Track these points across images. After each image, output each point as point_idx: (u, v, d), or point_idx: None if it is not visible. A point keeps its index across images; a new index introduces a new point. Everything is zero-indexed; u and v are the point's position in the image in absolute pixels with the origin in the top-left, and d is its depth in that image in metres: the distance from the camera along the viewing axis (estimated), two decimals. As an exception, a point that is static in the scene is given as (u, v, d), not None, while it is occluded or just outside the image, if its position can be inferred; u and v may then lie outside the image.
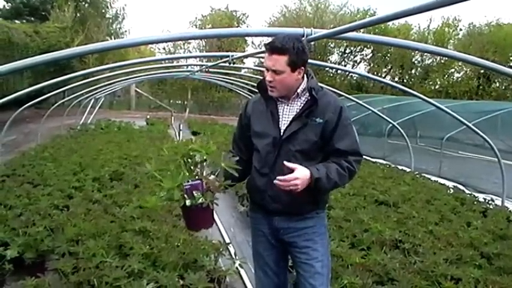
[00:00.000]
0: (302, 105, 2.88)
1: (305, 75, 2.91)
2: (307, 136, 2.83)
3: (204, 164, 2.70)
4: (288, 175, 2.67)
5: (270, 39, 2.83)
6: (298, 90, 2.88)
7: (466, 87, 39.07)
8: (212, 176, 2.78)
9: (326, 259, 2.99)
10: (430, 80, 41.99)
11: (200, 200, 2.58)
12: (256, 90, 3.09)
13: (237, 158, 2.86)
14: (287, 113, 2.91)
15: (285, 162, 2.72)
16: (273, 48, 2.73)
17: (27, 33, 24.39)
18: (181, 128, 20.00)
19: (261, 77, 3.01)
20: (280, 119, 2.91)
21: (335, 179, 2.78)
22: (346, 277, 4.23)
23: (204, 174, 2.72)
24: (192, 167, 2.68)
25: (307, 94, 2.86)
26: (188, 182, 2.62)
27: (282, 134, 2.87)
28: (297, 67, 2.77)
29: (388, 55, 41.61)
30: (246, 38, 39.70)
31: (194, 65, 16.11)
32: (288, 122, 2.87)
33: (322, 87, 2.95)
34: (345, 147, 2.84)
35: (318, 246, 2.95)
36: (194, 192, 2.58)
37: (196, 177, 2.67)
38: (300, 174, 2.67)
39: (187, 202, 2.58)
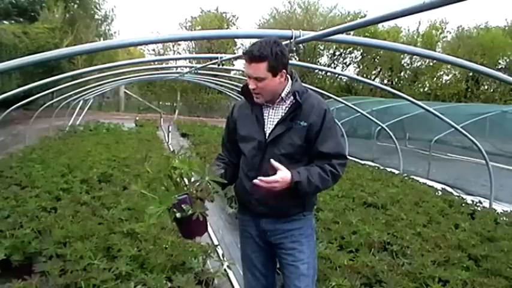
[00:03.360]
0: (287, 108, 2.87)
1: (290, 77, 2.91)
2: (291, 140, 2.83)
3: (189, 178, 2.67)
4: (268, 178, 2.69)
5: (253, 43, 2.82)
6: (283, 94, 2.87)
7: (454, 89, 39.38)
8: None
9: (312, 261, 3.00)
10: (419, 83, 42.31)
11: (190, 212, 2.57)
12: None
13: (222, 171, 2.88)
14: (272, 117, 2.91)
15: (272, 161, 2.74)
16: (251, 57, 2.72)
17: (15, 34, 24.26)
18: (170, 130, 19.93)
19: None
20: (266, 123, 2.91)
21: (316, 183, 2.77)
22: (334, 279, 4.24)
23: (192, 180, 2.69)
24: (178, 179, 2.66)
25: (292, 97, 2.85)
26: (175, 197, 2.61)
27: (266, 137, 2.88)
28: (277, 71, 2.76)
29: (378, 57, 41.84)
30: (236, 39, 39.77)
31: (184, 66, 16.12)
32: (273, 126, 2.88)
33: (307, 89, 2.94)
34: (328, 150, 2.83)
35: (304, 248, 2.96)
36: (183, 205, 2.57)
37: (184, 190, 2.65)
38: (280, 178, 2.69)
39: (178, 215, 2.57)
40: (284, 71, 2.80)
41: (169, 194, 2.57)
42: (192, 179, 2.65)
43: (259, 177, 2.70)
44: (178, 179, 2.63)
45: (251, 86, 2.78)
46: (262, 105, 2.93)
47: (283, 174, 2.70)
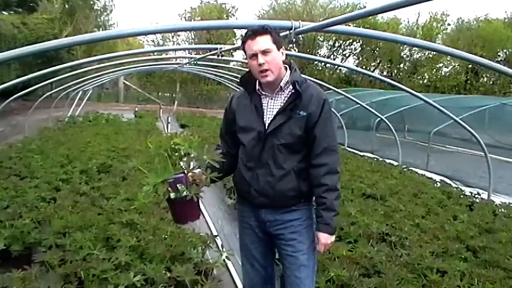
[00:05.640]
0: (286, 98, 2.87)
1: (288, 67, 2.92)
2: (291, 130, 2.83)
3: (188, 157, 2.68)
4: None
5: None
6: (282, 83, 2.87)
7: (454, 81, 39.34)
8: (198, 170, 2.75)
9: (312, 251, 3.00)
10: (419, 75, 42.23)
11: (184, 193, 2.57)
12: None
13: (220, 150, 2.89)
14: (271, 107, 2.90)
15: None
16: (255, 31, 2.78)
17: (14, 25, 24.22)
18: (169, 121, 19.91)
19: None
20: (265, 113, 2.91)
21: (335, 206, 2.89)
22: (333, 269, 4.24)
23: (191, 167, 2.70)
24: (177, 161, 2.67)
25: (291, 87, 2.85)
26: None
27: (266, 128, 2.87)
28: (279, 46, 2.81)
29: (377, 49, 41.75)
30: (235, 30, 39.61)
31: (183, 57, 16.05)
32: (272, 116, 2.87)
33: (305, 79, 2.96)
34: (321, 138, 2.86)
35: (304, 239, 2.96)
36: (178, 185, 2.57)
37: (181, 170, 2.66)
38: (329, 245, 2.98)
39: (172, 195, 2.57)
40: (283, 50, 2.87)
41: (167, 170, 2.59)
42: (193, 164, 2.67)
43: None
44: (177, 161, 2.64)
45: (260, 61, 2.76)
46: (261, 95, 2.93)
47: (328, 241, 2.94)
